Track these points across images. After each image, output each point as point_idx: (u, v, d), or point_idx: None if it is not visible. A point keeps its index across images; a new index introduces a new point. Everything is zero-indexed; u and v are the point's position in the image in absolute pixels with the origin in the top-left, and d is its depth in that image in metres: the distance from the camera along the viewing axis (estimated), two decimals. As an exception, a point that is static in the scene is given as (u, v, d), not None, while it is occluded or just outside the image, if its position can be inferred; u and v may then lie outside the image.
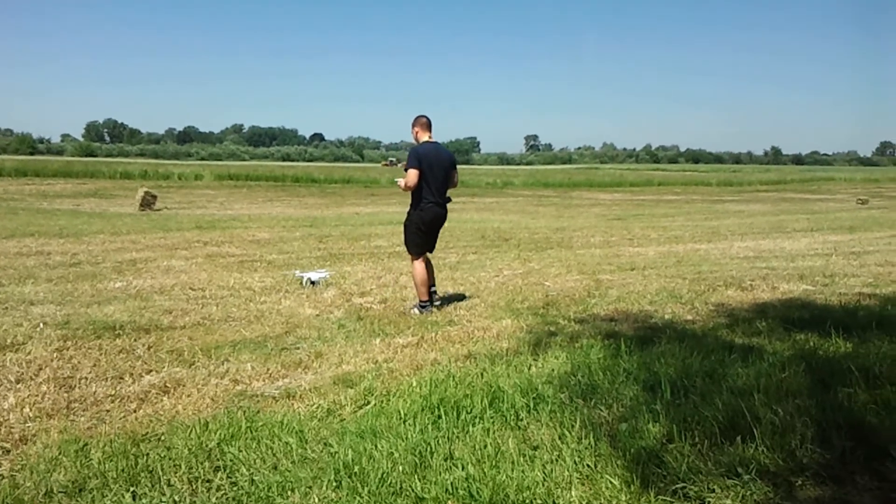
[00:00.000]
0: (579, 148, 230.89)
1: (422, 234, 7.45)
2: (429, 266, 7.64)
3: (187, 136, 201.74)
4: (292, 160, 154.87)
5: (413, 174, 7.14)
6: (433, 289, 7.66)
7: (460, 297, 8.27)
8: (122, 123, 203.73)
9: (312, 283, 8.85)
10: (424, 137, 7.42)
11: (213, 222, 17.63)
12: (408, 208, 7.57)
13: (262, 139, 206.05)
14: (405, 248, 7.79)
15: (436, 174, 7.27)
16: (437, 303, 7.64)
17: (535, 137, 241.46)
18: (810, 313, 6.77)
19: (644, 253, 12.75)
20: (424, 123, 7.46)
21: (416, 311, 7.37)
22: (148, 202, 23.58)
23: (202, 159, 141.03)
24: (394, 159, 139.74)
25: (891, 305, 7.12)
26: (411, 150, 7.34)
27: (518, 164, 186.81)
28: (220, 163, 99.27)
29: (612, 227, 18.48)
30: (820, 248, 13.50)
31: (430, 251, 7.73)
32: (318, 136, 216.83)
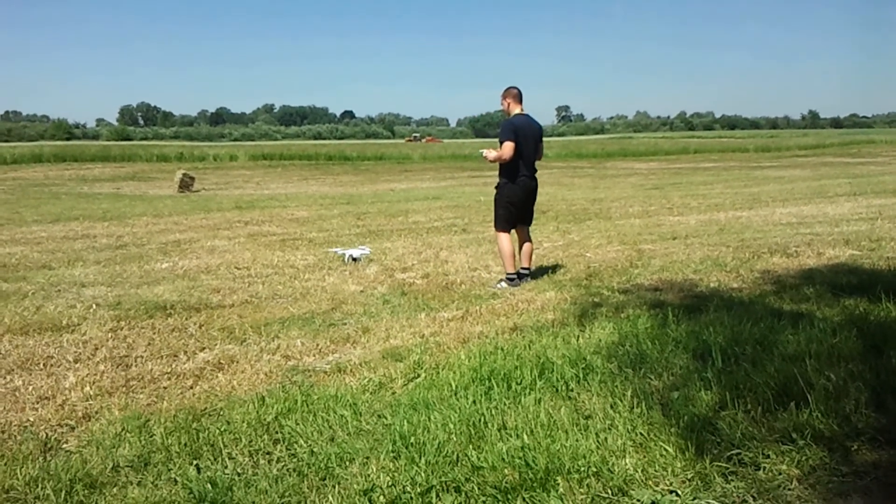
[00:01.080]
0: (612, 118, 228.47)
1: (513, 208, 7.34)
2: (527, 241, 7.60)
3: (219, 118, 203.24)
4: (324, 138, 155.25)
5: (509, 147, 7.01)
6: (526, 270, 7.59)
7: (502, 271, 8.28)
8: (154, 107, 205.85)
9: (354, 259, 8.93)
10: (516, 110, 7.28)
11: (251, 202, 17.83)
12: (497, 181, 7.45)
13: (293, 118, 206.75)
14: (494, 224, 7.61)
15: (528, 146, 7.18)
16: (526, 280, 7.53)
17: (566, 108, 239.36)
18: (858, 278, 6.68)
19: (685, 222, 12.63)
20: (516, 95, 7.30)
21: (504, 284, 7.35)
22: (186, 184, 23.86)
23: (235, 140, 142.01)
24: (417, 134, 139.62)
25: (941, 269, 6.99)
26: (505, 122, 7.23)
27: (550, 136, 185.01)
28: (253, 143, 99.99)
29: (651, 197, 18.31)
30: (864, 212, 13.25)
31: (528, 224, 7.66)
32: (348, 114, 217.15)
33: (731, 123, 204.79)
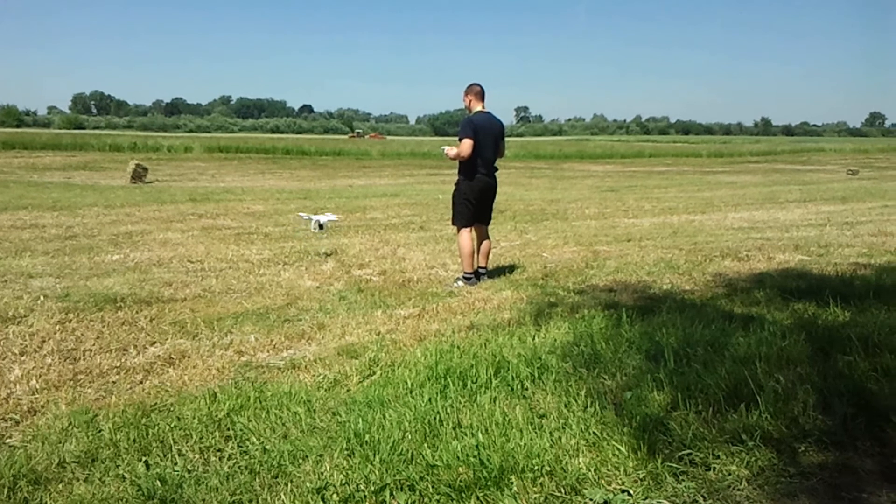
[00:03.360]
0: (570, 119, 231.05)
1: (471, 206, 7.29)
2: (485, 240, 7.59)
3: (175, 108, 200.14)
4: (282, 132, 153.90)
5: (468, 144, 6.98)
6: (484, 269, 7.59)
7: (459, 269, 8.29)
8: (108, 95, 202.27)
9: (321, 226, 8.82)
10: (478, 107, 7.25)
11: (206, 195, 17.57)
12: (456, 178, 7.42)
13: (250, 111, 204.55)
14: (451, 220, 7.59)
15: (487, 145, 7.16)
16: (483, 279, 7.55)
17: (525, 109, 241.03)
18: (807, 283, 6.83)
19: (639, 224, 12.80)
20: (478, 92, 7.27)
21: (461, 282, 7.31)
22: (139, 174, 23.41)
23: (191, 131, 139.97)
24: (360, 130, 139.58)
25: (886, 275, 7.18)
26: (465, 120, 7.19)
27: (509, 136, 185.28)
28: (208, 135, 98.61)
29: (606, 199, 18.52)
30: (813, 218, 13.58)
31: (486, 223, 7.63)
32: (307, 108, 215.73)
33: (686, 129, 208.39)
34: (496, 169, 7.46)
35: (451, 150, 7.23)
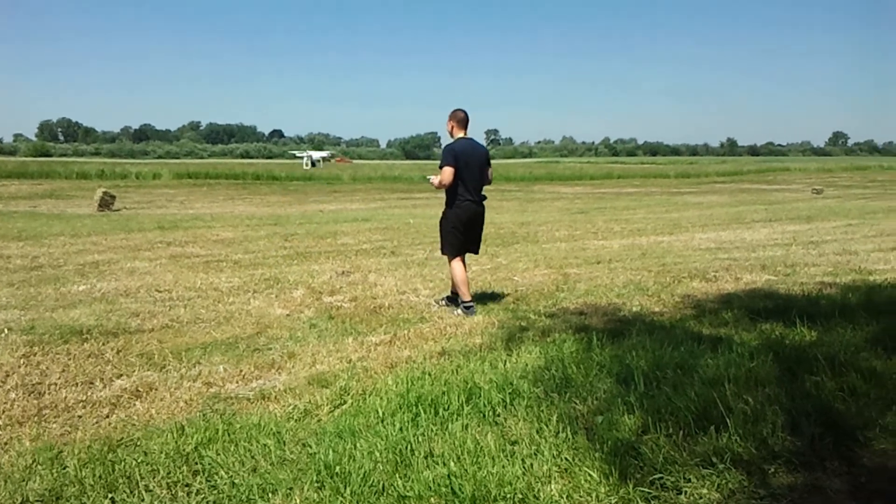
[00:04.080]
0: (539, 142, 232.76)
1: (459, 233, 7.21)
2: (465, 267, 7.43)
3: (143, 135, 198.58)
4: (252, 157, 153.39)
5: (448, 172, 6.92)
6: (452, 291, 7.46)
7: (430, 294, 8.30)
8: (76, 122, 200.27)
9: (313, 163, 8.73)
10: (459, 134, 7.18)
11: (174, 222, 17.39)
12: (443, 207, 7.33)
13: (220, 136, 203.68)
14: (440, 249, 7.53)
15: (471, 171, 7.06)
16: (443, 302, 7.53)
17: (495, 132, 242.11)
18: (774, 303, 6.93)
19: (609, 246, 12.89)
20: (461, 119, 7.20)
21: (460, 311, 7.19)
22: (107, 202, 23.14)
23: (159, 157, 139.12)
24: (326, 154, 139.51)
25: (851, 294, 7.30)
26: (446, 147, 7.12)
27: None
28: (178, 161, 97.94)
29: (576, 221, 18.64)
30: (779, 238, 13.78)
31: (475, 252, 7.55)
32: (277, 133, 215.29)
33: (653, 150, 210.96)
34: (484, 196, 7.34)
35: (435, 179, 7.18)
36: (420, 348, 5.78)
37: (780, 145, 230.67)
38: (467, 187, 7.07)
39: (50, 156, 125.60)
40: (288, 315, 7.22)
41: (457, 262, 7.25)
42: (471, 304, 7.21)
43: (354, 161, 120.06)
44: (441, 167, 7.01)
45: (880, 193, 36.32)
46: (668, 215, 21.13)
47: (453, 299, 7.45)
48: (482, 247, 10.98)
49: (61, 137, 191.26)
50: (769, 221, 17.84)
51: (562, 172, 62.00)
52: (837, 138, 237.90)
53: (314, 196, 33.58)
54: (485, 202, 7.35)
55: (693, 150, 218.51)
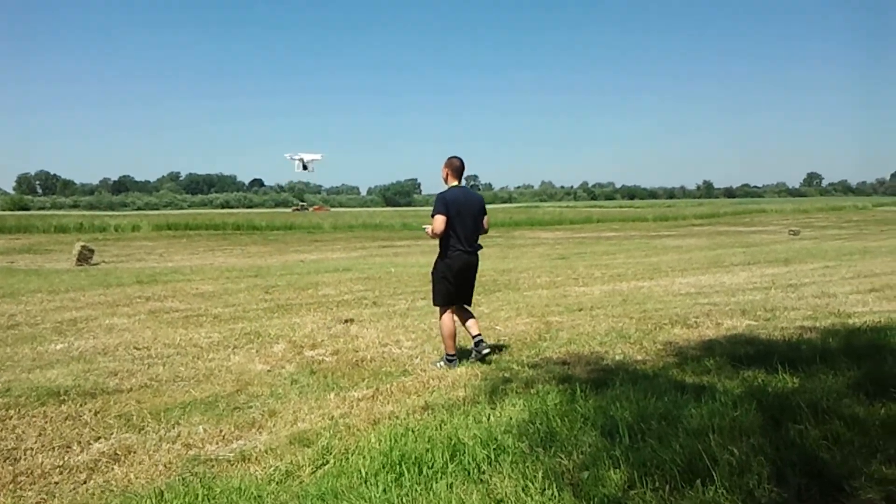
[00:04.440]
0: (518, 187, 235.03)
1: (449, 284, 7.06)
2: (467, 315, 7.27)
3: (123, 186, 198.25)
4: (232, 207, 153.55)
5: (440, 220, 6.83)
6: (479, 337, 7.20)
7: (413, 346, 8.26)
8: (54, 175, 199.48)
9: (304, 166, 8.64)
10: (454, 182, 7.11)
11: (154, 276, 17.26)
12: (435, 256, 7.21)
13: (199, 186, 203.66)
14: (431, 299, 7.37)
15: (464, 220, 6.96)
16: (486, 351, 7.18)
17: (475, 178, 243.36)
18: (756, 349, 6.95)
19: (590, 292, 12.92)
20: (456, 167, 7.13)
21: (443, 363, 7.08)
22: (85, 257, 23.01)
23: (139, 209, 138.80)
24: (304, 203, 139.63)
25: (831, 338, 7.34)
26: (438, 196, 7.00)
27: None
28: (157, 212, 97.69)
29: (557, 267, 18.71)
30: (758, 281, 13.88)
31: (467, 303, 7.33)
32: (257, 182, 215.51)
33: (631, 193, 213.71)
34: (479, 246, 7.22)
35: (429, 228, 7.04)
36: (403, 403, 5.73)
37: (755, 187, 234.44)
38: (459, 236, 6.97)
39: (28, 209, 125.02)
40: (269, 371, 7.15)
41: (446, 314, 7.11)
42: (454, 357, 7.12)
43: (334, 209, 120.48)
44: (433, 216, 6.94)
45: (856, 234, 36.84)
46: (647, 259, 21.26)
47: (476, 344, 7.20)
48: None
49: (39, 190, 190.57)
50: (748, 264, 17.98)
51: (542, 217, 62.48)
52: (812, 179, 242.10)
53: (295, 245, 33.55)
54: (480, 251, 7.24)
55: (670, 193, 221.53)
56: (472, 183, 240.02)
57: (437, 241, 7.14)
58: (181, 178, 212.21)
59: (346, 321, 9.96)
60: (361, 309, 11.35)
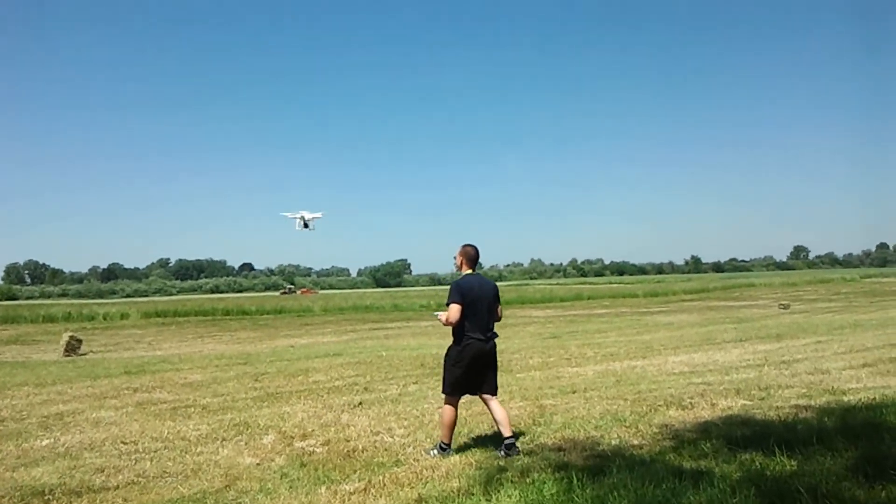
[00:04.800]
0: (508, 265, 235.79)
1: (460, 371, 6.85)
2: (498, 411, 6.93)
3: (112, 274, 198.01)
4: (221, 292, 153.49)
5: (455, 309, 6.73)
6: (511, 440, 6.85)
7: (406, 433, 8.13)
8: (43, 264, 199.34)
9: (306, 224, 8.50)
10: (468, 270, 7.10)
11: (142, 365, 17.07)
12: (447, 343, 7.06)
13: (189, 272, 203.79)
14: (441, 386, 7.17)
15: (479, 309, 6.86)
16: (516, 452, 6.75)
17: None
18: (752, 430, 6.87)
19: (583, 373, 12.84)
20: (471, 255, 7.15)
21: (436, 451, 6.94)
22: (73, 347, 22.81)
23: (128, 296, 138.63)
24: (292, 286, 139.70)
25: (827, 417, 7.28)
26: (453, 284, 6.95)
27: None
28: (146, 299, 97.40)
29: (549, 347, 18.62)
30: (751, 358, 13.84)
31: (492, 392, 7.05)
32: (247, 266, 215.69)
33: (620, 269, 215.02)
34: (495, 333, 7.09)
35: (442, 315, 6.93)
36: (396, 496, 5.60)
37: (743, 261, 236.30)
38: (474, 325, 6.85)
39: (16, 299, 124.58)
40: (258, 464, 7.00)
41: (450, 402, 6.94)
42: (448, 446, 6.96)
43: (324, 291, 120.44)
44: (447, 304, 6.83)
45: (846, 306, 36.99)
46: (639, 337, 21.21)
47: (506, 446, 6.85)
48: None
49: (28, 279, 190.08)
50: (740, 341, 17.96)
51: (532, 295, 62.63)
52: (799, 252, 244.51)
53: (285, 330, 33.35)
54: (496, 339, 7.10)
55: (659, 269, 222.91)
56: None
57: (448, 327, 6.97)
58: (171, 265, 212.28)
59: (359, 405, 10.12)
60: (352, 395, 11.22)
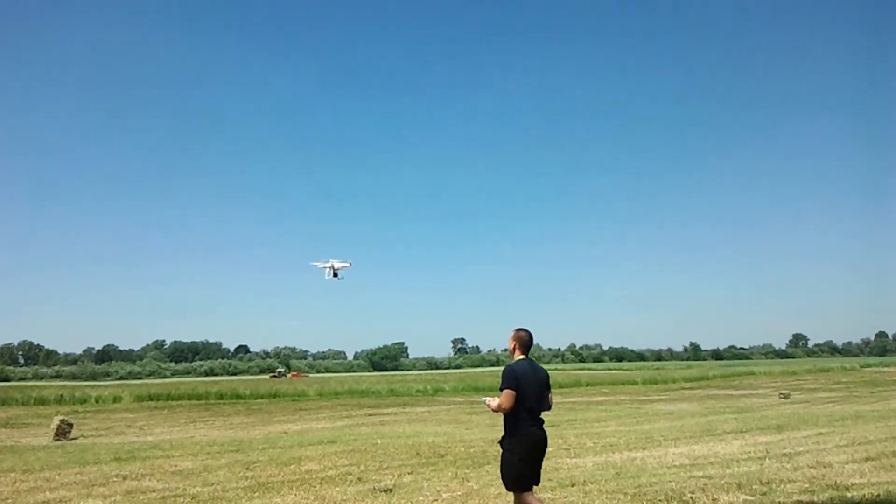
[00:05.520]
0: (505, 349, 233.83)
1: (525, 464, 6.64)
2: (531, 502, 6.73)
3: (106, 355, 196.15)
4: (216, 375, 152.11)
5: (510, 396, 6.57)
6: None
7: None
8: (37, 345, 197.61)
9: (335, 273, 8.29)
10: (520, 356, 6.95)
11: (132, 452, 16.76)
12: (502, 435, 6.84)
13: (184, 354, 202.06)
14: (503, 485, 6.88)
15: (532, 395, 6.70)
16: None
17: (462, 340, 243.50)
18: (754, 529, 6.71)
19: (582, 464, 12.60)
20: (525, 340, 7.01)
21: None
22: (63, 431, 22.44)
23: (121, 378, 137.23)
24: (282, 370, 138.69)
25: (830, 515, 7.13)
26: (506, 369, 6.77)
27: (447, 368, 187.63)
28: (139, 381, 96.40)
29: (548, 436, 18.32)
30: (752, 450, 13.62)
31: (536, 483, 6.85)
32: (242, 349, 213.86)
33: (619, 355, 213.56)
34: (542, 421, 6.91)
35: (493, 402, 6.76)
36: None
37: (742, 348, 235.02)
38: (529, 412, 6.69)
39: (9, 380, 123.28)
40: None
41: (528, 497, 6.68)
42: None
43: (319, 375, 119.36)
44: (501, 389, 6.69)
45: (846, 396, 36.63)
46: (639, 427, 20.91)
47: None
48: (452, 468, 10.68)
49: (21, 360, 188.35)
50: (740, 432, 17.70)
51: (529, 382, 61.89)
52: (798, 340, 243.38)
53: (279, 415, 32.86)
54: (544, 426, 6.91)
55: (658, 355, 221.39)
56: (458, 346, 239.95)
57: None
58: (166, 346, 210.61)
59: (385, 489, 10.14)
60: (346, 486, 10.98)
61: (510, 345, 7.10)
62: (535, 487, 6.80)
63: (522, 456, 6.62)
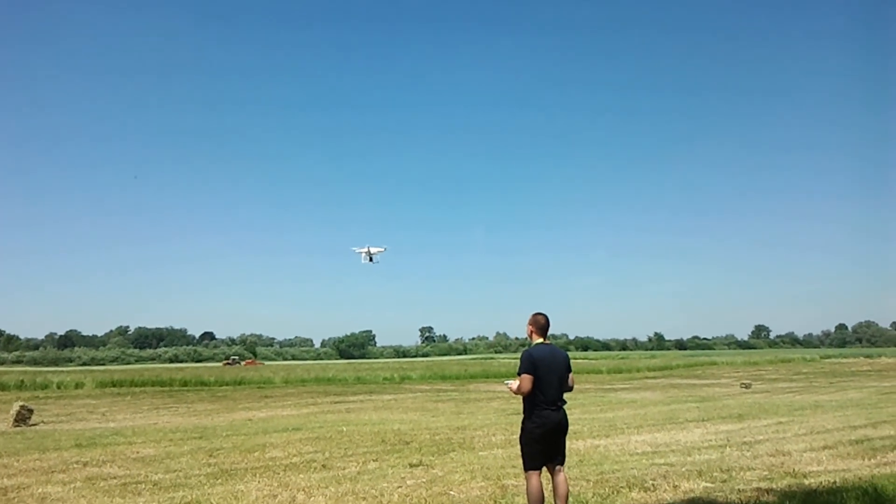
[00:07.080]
0: (473, 338, 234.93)
1: (536, 445, 6.83)
2: (559, 482, 6.95)
3: (69, 341, 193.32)
4: (181, 361, 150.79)
5: (527, 379, 6.70)
6: None
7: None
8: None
9: (371, 258, 8.25)
10: (538, 339, 7.04)
11: (93, 438, 16.54)
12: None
13: (149, 341, 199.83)
14: (521, 462, 7.09)
15: (550, 379, 6.80)
16: None
17: (430, 329, 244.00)
18: (714, 516, 6.82)
19: (545, 452, 12.68)
20: (542, 325, 7.09)
21: None
22: (23, 417, 22.05)
23: (84, 364, 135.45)
24: (236, 357, 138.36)
25: (789, 501, 7.26)
26: (524, 353, 6.90)
27: (414, 357, 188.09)
28: (103, 368, 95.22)
29: (512, 423, 18.40)
30: (713, 439, 13.83)
31: (561, 463, 7.04)
32: (208, 335, 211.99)
33: (584, 345, 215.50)
34: (564, 402, 7.03)
35: (514, 384, 6.91)
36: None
37: (705, 338, 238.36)
38: (546, 395, 6.81)
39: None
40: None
41: (534, 477, 6.83)
42: None
43: (286, 362, 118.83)
44: (519, 374, 6.81)
45: (806, 386, 37.33)
46: (603, 415, 21.12)
47: None
48: (416, 455, 10.67)
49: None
50: (702, 420, 17.96)
51: (497, 370, 62.19)
52: (760, 331, 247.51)
53: (244, 402, 32.64)
54: (564, 406, 7.05)
55: (623, 345, 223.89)
56: (426, 334, 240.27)
57: (511, 396, 6.93)
58: (130, 332, 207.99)
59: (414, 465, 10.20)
60: (310, 473, 10.94)
61: (527, 331, 7.21)
62: (558, 467, 7.03)
63: (536, 437, 6.81)
